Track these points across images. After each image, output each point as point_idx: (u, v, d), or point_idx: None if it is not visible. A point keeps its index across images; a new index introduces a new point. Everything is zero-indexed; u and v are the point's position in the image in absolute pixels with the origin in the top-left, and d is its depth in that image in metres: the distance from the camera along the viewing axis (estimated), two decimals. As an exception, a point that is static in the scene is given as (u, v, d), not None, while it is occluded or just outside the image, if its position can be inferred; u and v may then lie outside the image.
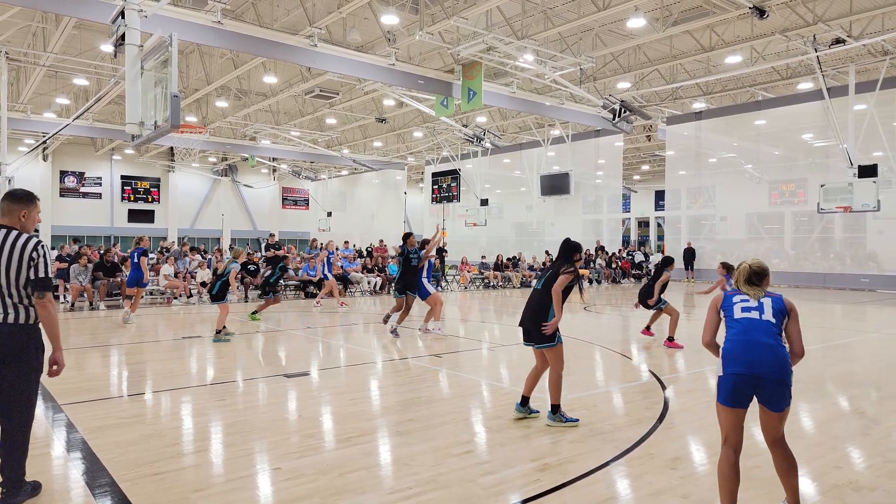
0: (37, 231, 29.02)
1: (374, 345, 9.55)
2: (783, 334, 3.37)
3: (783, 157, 23.61)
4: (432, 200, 33.03)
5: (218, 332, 9.56)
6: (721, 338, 3.50)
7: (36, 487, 3.71)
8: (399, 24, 15.28)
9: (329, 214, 36.08)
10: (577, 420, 5.19)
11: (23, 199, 3.64)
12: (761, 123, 22.63)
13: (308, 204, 42.94)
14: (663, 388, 6.62)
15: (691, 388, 6.68)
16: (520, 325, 5.38)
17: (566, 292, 5.23)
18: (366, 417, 5.44)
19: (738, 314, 3.40)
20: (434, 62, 18.86)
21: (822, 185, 18.51)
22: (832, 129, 18.33)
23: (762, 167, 23.96)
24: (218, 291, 9.85)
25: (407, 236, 10.03)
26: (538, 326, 5.13)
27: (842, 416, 5.65)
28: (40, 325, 3.57)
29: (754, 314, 3.37)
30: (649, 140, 28.20)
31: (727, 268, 8.92)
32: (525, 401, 5.37)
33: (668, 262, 9.62)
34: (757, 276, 3.48)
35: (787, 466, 3.37)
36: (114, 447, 4.53)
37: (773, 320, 3.34)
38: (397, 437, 4.88)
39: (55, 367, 3.60)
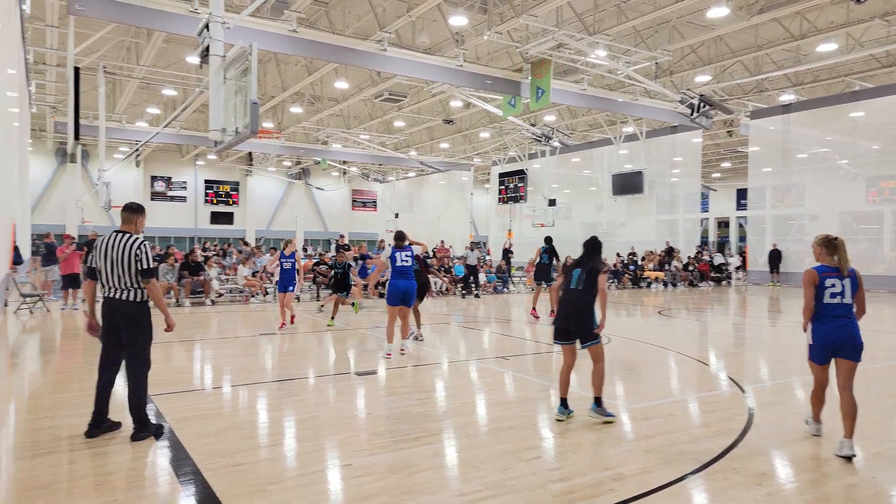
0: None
1: (439, 345, 9.58)
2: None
3: (883, 151, 21.79)
4: (499, 201, 32.86)
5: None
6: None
7: (159, 428, 4.80)
8: (467, 24, 15.29)
9: (396, 216, 36.63)
10: (614, 416, 5.30)
11: (137, 210, 4.95)
12: (858, 115, 21.05)
13: (376, 206, 43.80)
14: (747, 398, 6.26)
15: (777, 399, 6.28)
16: (561, 325, 5.41)
17: None
18: (433, 418, 5.45)
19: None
20: (502, 61, 18.76)
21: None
22: (938, 121, 16.81)
23: (858, 163, 22.23)
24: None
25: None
26: (585, 326, 5.29)
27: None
28: (150, 302, 4.89)
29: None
30: (730, 135, 26.88)
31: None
32: (565, 402, 5.41)
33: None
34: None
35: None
36: (197, 437, 4.75)
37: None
38: (465, 438, 4.85)
39: (167, 328, 5.08)
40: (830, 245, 4.66)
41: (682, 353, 8.88)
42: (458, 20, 14.50)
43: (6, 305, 13.29)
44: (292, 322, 10.92)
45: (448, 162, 34.85)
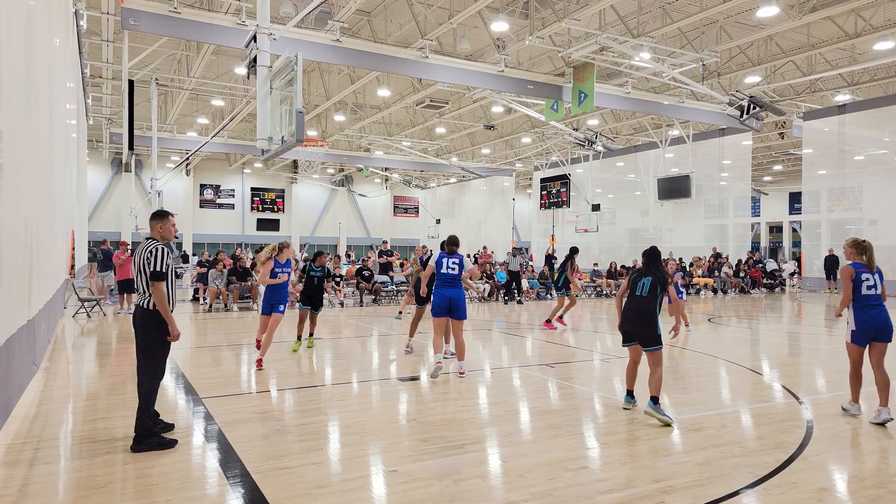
0: (177, 238, 32.13)
1: (481, 351, 9.52)
2: None
3: (947, 152, 20.75)
4: (541, 206, 32.57)
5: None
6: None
7: (163, 443, 4.58)
8: (508, 30, 15.26)
9: (438, 222, 36.75)
10: (671, 419, 5.37)
11: (157, 216, 4.92)
12: (918, 115, 20.06)
13: (418, 212, 44.06)
14: (804, 409, 5.99)
15: (836, 412, 5.98)
16: (627, 329, 5.78)
17: None
18: (478, 425, 5.41)
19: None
20: (544, 66, 18.64)
21: None
22: None
23: (919, 164, 21.19)
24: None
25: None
26: (649, 331, 5.61)
27: None
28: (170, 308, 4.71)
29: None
30: (782, 138, 25.99)
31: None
32: (631, 393, 5.91)
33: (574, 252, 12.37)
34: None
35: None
36: (246, 440, 4.83)
37: None
38: (511, 446, 4.79)
39: (169, 338, 4.71)
40: (860, 246, 5.64)
41: (734, 363, 8.58)
42: (500, 26, 14.48)
43: (65, 309, 13.89)
44: (259, 366, 7.68)
45: (489, 167, 34.80)
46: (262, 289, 8.66)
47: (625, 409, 5.87)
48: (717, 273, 22.89)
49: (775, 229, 40.49)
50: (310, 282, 9.14)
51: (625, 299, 5.88)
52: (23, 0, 5.58)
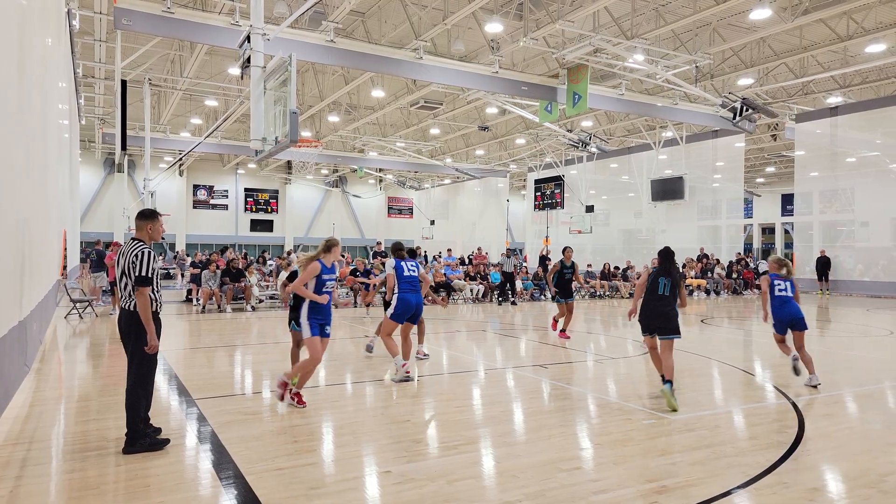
0: (164, 239, 31.94)
1: (475, 352, 9.53)
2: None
3: (936, 154, 20.95)
4: (535, 208, 32.66)
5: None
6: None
7: (156, 444, 4.55)
8: (503, 31, 15.29)
9: (432, 223, 36.75)
10: (678, 407, 5.90)
11: (145, 216, 4.71)
12: (909, 118, 20.23)
13: (412, 213, 44.07)
14: (796, 410, 6.03)
15: (828, 412, 6.03)
16: (650, 323, 6.39)
17: None
18: (471, 426, 5.41)
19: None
20: (538, 67, 18.68)
21: None
22: None
23: (910, 166, 21.39)
24: None
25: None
26: (671, 324, 6.31)
27: None
28: (160, 312, 4.63)
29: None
30: (775, 139, 26.14)
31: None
32: (663, 377, 6.24)
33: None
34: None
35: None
36: (240, 441, 4.82)
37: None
38: (504, 447, 4.80)
39: (146, 349, 4.51)
40: (781, 262, 7.41)
41: (726, 363, 8.63)
42: (494, 27, 14.51)
43: (57, 309, 13.80)
44: (300, 401, 5.91)
45: (484, 169, 34.84)
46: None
47: (662, 390, 6.11)
48: (709, 274, 23.00)
49: (768, 231, 40.73)
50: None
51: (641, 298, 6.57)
52: (15, 0, 5.56)
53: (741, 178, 26.17)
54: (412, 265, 7.47)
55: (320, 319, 5.89)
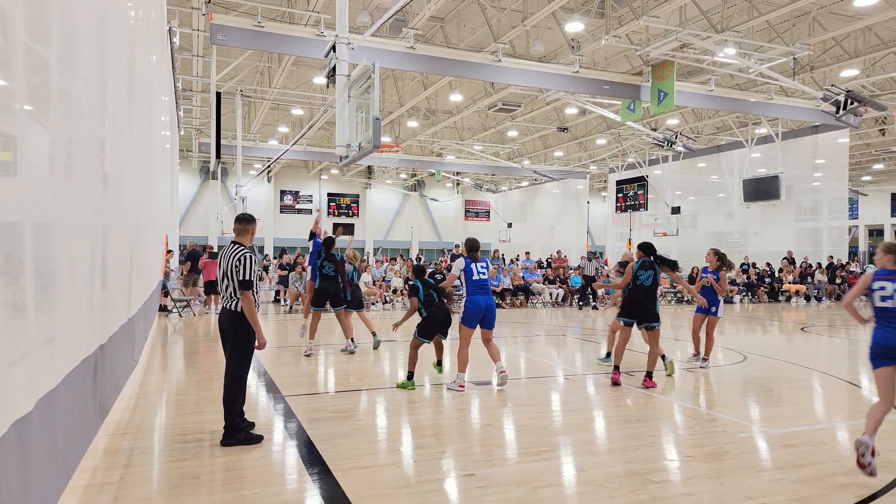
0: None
1: (555, 357, 9.35)
2: None
3: None
4: (616, 209, 31.70)
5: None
6: None
7: (251, 438, 4.79)
8: (583, 30, 14.96)
9: (509, 225, 36.51)
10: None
11: (247, 220, 5.16)
12: None
13: (489, 216, 43.99)
14: (914, 428, 5.49)
15: (955, 432, 5.44)
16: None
17: None
18: (554, 432, 5.31)
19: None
20: (620, 65, 18.15)
21: None
22: None
23: None
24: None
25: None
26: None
27: None
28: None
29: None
30: (883, 134, 24.05)
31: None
32: (663, 356, 7.66)
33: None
34: None
35: None
36: (327, 438, 4.97)
37: None
38: (588, 455, 4.67)
39: (257, 345, 4.87)
40: (719, 254, 8.29)
41: (830, 374, 8.00)
42: (574, 26, 14.22)
43: (160, 310, 14.83)
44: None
45: (562, 170, 34.23)
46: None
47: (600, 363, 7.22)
48: (809, 279, 21.45)
49: (875, 233, 37.50)
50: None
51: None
52: (125, 22, 6.02)
53: (845, 176, 24.22)
54: (482, 266, 7.05)
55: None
